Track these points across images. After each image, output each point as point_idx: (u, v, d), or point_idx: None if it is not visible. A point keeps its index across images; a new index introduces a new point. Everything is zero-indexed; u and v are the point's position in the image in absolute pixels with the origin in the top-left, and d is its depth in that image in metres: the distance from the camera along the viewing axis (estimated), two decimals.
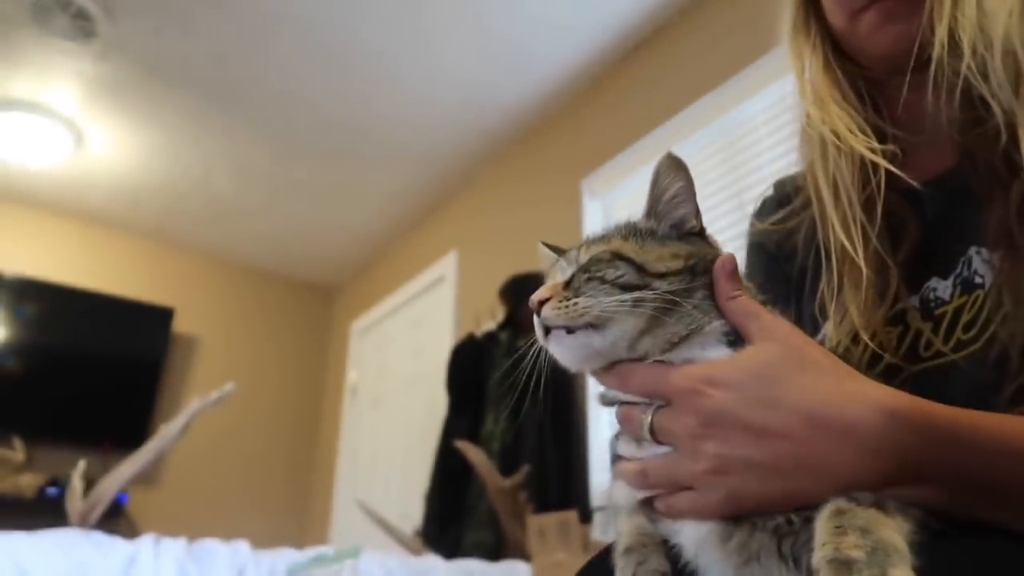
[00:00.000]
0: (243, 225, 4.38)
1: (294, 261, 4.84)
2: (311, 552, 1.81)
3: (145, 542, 1.70)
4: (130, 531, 3.71)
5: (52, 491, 3.55)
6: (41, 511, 3.29)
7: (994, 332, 0.65)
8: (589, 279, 0.59)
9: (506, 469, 2.43)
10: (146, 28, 2.94)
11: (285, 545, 1.93)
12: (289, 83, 3.24)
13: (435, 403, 3.33)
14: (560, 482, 2.52)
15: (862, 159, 0.74)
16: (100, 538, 1.70)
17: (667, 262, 0.59)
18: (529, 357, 0.63)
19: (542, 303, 0.59)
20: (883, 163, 0.72)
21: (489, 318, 3.16)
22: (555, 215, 3.14)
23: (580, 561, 1.89)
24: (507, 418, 2.73)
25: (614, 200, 2.95)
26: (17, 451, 3.66)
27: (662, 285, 0.57)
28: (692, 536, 0.56)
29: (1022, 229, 0.64)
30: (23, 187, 3.96)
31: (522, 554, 2.23)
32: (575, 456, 2.60)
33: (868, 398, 0.53)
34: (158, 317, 4.28)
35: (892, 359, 0.71)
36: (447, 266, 3.86)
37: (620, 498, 0.62)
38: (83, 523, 2.06)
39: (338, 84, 3.25)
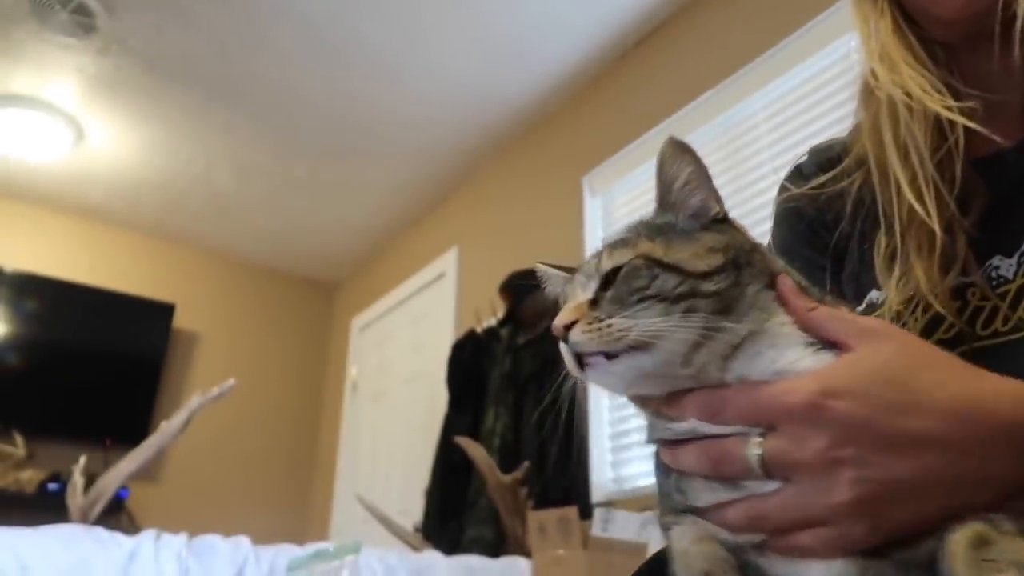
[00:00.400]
0: (244, 221, 4.38)
1: (295, 257, 4.84)
2: (312, 548, 1.81)
3: (146, 537, 1.70)
4: (131, 527, 3.72)
5: (53, 487, 3.56)
6: (42, 507, 3.29)
7: None
8: (625, 293, 0.50)
9: (506, 465, 2.43)
10: (146, 23, 2.94)
11: (286, 541, 1.93)
12: (290, 79, 3.24)
13: (436, 399, 3.33)
14: (560, 478, 2.53)
15: (936, 119, 0.70)
16: (101, 533, 1.70)
17: (706, 259, 0.51)
18: (563, 396, 0.56)
19: (568, 328, 0.50)
20: (961, 120, 0.67)
21: (490, 314, 3.16)
22: (556, 212, 3.14)
23: (580, 557, 1.88)
24: (507, 414, 2.74)
25: (615, 197, 2.94)
26: (18, 447, 3.66)
27: (708, 287, 0.49)
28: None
29: None
30: (23, 183, 3.96)
31: (522, 550, 2.23)
32: (575, 452, 2.60)
33: (1012, 391, 0.46)
34: (159, 313, 4.28)
35: (960, 325, 0.66)
36: (448, 262, 3.86)
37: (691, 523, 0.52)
38: (84, 519, 2.07)
39: (339, 80, 3.25)
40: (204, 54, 3.10)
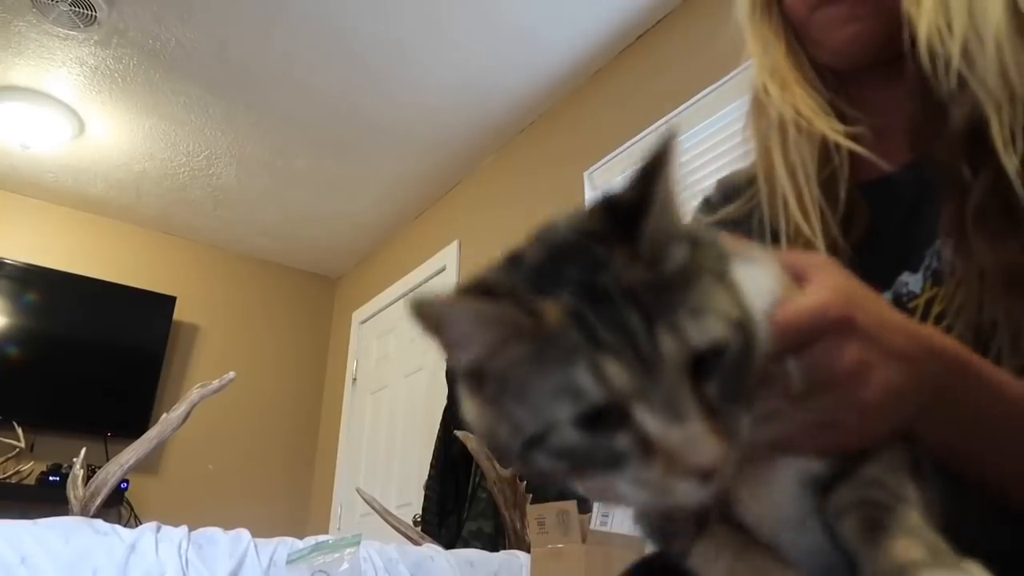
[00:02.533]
0: (245, 214, 4.37)
1: (295, 250, 4.83)
2: (311, 541, 1.82)
3: (146, 530, 1.71)
4: (131, 519, 3.74)
5: (53, 479, 3.56)
6: (42, 499, 3.30)
7: (948, 325, 0.63)
8: (737, 390, 0.38)
9: None
10: (147, 15, 2.93)
11: (286, 534, 1.94)
12: (291, 71, 3.23)
13: (436, 393, 3.33)
14: None
15: (823, 141, 0.73)
16: (101, 526, 1.71)
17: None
18: None
19: (708, 474, 0.36)
20: (847, 143, 0.71)
21: None
22: (558, 206, 3.13)
23: (579, 550, 1.88)
24: None
25: None
26: (19, 439, 3.67)
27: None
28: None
29: (977, 223, 0.62)
30: (24, 175, 3.95)
31: (521, 543, 2.24)
32: None
33: (943, 335, 0.51)
34: (160, 305, 4.27)
35: None
36: (448, 256, 3.86)
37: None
38: (84, 511, 2.08)
39: (340, 73, 3.24)
40: (205, 46, 3.09)
